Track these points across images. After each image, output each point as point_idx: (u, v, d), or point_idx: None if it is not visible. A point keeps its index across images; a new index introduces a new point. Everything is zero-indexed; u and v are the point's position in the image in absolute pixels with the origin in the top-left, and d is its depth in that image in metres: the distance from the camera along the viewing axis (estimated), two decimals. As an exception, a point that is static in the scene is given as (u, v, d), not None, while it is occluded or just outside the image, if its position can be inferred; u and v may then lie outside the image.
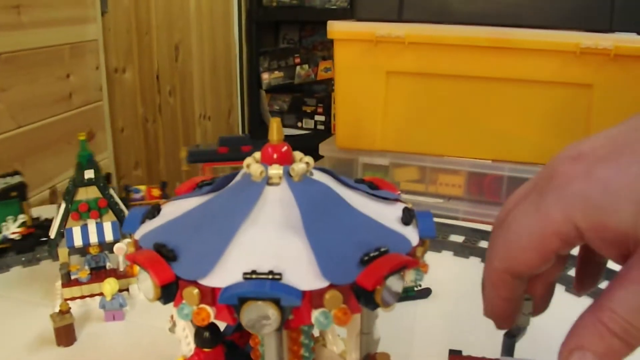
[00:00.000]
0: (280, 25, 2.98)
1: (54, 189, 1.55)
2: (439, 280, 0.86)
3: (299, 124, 2.82)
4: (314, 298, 0.37)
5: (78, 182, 0.80)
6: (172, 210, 0.48)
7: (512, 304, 0.41)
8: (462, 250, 0.97)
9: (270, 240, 0.40)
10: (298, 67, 2.83)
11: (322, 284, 0.37)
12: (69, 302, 0.76)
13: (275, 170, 0.44)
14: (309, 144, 1.40)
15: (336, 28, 1.24)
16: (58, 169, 1.57)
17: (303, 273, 0.38)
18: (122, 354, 0.72)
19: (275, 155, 0.45)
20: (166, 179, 2.25)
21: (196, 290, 0.38)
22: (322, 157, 1.36)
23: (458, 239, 1.01)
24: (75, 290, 0.82)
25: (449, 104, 1.22)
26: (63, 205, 0.80)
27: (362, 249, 0.39)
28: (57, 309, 0.74)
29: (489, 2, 1.20)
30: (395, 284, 0.38)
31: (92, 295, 0.82)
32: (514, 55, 1.15)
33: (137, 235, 0.45)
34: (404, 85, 1.23)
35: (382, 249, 0.39)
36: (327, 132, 2.72)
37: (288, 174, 0.44)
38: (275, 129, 0.46)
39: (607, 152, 0.35)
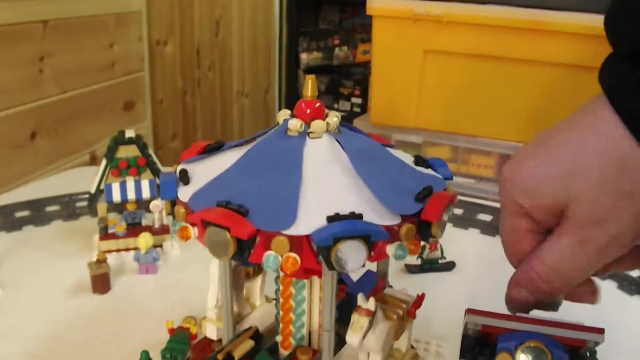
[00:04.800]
0: (321, 7, 2.98)
1: (94, 154, 1.60)
2: (464, 255, 0.88)
3: (336, 106, 2.82)
4: (391, 234, 0.41)
5: (119, 140, 0.84)
6: (204, 170, 0.49)
7: None
8: (488, 229, 0.98)
9: (333, 187, 0.43)
10: (337, 49, 2.83)
11: (396, 220, 0.41)
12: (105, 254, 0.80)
13: (319, 124, 0.46)
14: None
15: (375, 4, 1.25)
16: (98, 135, 1.62)
17: (374, 211, 0.41)
18: (154, 304, 0.75)
19: (308, 111, 0.47)
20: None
21: (285, 239, 0.40)
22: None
23: (486, 217, 1.02)
24: (111, 244, 0.85)
25: (484, 85, 1.22)
26: (104, 162, 0.84)
27: (411, 188, 0.44)
28: (94, 259, 0.77)
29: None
30: None
31: (127, 249, 0.86)
32: (551, 38, 1.14)
33: (183, 198, 0.46)
34: (441, 64, 1.24)
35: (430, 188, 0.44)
36: (363, 114, 2.72)
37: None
38: (310, 86, 0.48)
39: (529, 151, 0.44)
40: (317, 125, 0.47)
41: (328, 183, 0.44)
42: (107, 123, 1.63)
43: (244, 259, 0.41)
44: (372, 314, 0.45)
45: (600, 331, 0.43)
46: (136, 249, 0.83)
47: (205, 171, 0.48)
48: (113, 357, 0.65)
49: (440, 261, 0.85)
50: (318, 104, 0.48)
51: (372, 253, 0.40)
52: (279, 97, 2.73)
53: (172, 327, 0.67)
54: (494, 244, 0.94)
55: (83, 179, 1.10)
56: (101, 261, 0.76)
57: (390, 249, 0.42)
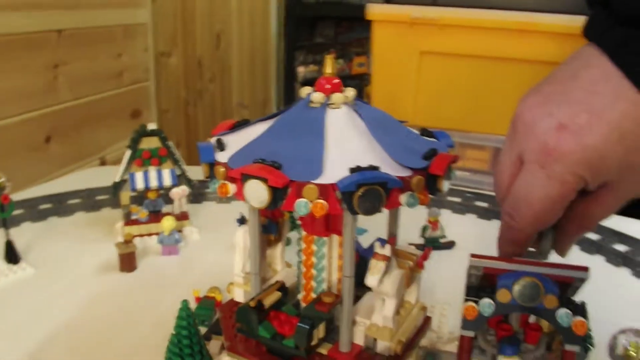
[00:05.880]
0: (317, 22, 3.06)
1: (104, 160, 1.66)
2: (462, 236, 0.94)
3: (332, 117, 2.89)
4: (404, 184, 0.47)
5: (142, 132, 0.90)
6: (237, 139, 0.56)
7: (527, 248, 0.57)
8: (485, 214, 1.04)
9: (353, 148, 0.50)
10: (333, 62, 2.90)
11: (407, 172, 0.48)
12: (130, 237, 0.86)
13: (339, 96, 0.53)
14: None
15: (374, 10, 1.33)
16: (108, 141, 1.68)
17: (389, 166, 0.48)
18: (179, 279, 0.81)
19: (328, 86, 0.54)
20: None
21: (315, 187, 0.46)
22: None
23: (482, 204, 1.08)
24: (134, 229, 0.91)
25: (477, 83, 1.30)
26: (128, 153, 0.90)
27: (419, 150, 0.50)
28: (121, 240, 0.83)
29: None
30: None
31: (149, 234, 0.92)
32: (541, 38, 1.22)
33: (222, 160, 0.52)
34: (436, 65, 1.31)
35: (435, 149, 0.50)
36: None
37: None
38: (329, 64, 0.55)
39: (586, 121, 0.48)
40: (337, 97, 0.53)
41: (348, 144, 0.50)
42: (115, 130, 1.70)
43: (278, 206, 0.47)
44: (387, 259, 0.51)
45: (585, 269, 0.50)
46: (158, 234, 0.89)
47: (238, 140, 0.55)
48: (145, 324, 0.71)
49: (441, 240, 0.91)
50: (337, 80, 0.55)
51: (388, 201, 0.47)
52: (277, 109, 2.80)
53: (198, 295, 0.74)
54: (489, 227, 1.00)
55: (98, 178, 1.16)
56: (128, 241, 0.83)
57: (403, 198, 0.48)
